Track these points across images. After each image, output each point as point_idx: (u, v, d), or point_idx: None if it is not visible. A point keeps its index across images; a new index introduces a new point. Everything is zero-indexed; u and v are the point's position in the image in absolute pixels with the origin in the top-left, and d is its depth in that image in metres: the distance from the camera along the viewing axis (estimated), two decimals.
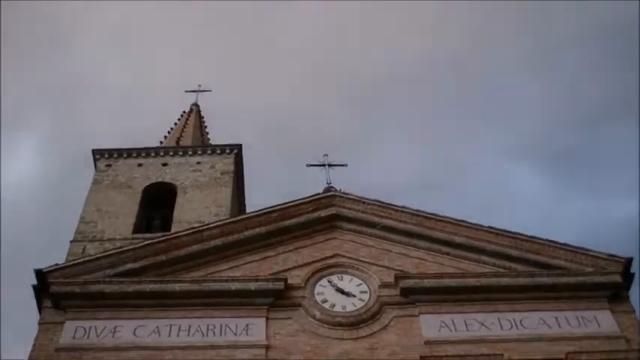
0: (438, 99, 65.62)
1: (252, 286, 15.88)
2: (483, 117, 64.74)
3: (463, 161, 62.37)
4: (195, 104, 34.82)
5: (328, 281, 16.54)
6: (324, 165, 21.12)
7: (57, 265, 16.18)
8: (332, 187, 19.42)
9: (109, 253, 16.74)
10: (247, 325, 15.34)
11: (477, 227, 17.29)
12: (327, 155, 21.52)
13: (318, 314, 15.62)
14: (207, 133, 33.44)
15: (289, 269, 16.75)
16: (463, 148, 65.00)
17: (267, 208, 17.83)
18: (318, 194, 18.53)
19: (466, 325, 15.41)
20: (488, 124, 65.15)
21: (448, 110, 65.91)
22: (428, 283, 16.02)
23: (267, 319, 15.49)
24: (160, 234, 20.26)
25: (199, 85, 35.73)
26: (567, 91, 61.35)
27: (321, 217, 18.02)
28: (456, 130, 65.99)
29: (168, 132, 32.26)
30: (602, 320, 15.48)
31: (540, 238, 16.90)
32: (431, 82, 65.80)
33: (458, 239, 17.22)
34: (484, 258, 16.97)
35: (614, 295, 15.93)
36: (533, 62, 63.03)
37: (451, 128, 66.64)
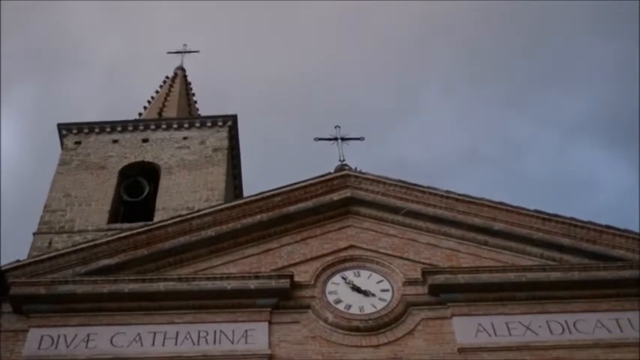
0: (487, 58, 64.70)
1: (252, 284, 15.80)
2: (543, 82, 63.75)
3: (516, 136, 61.66)
4: (181, 68, 34.74)
5: (342, 278, 16.47)
6: (335, 139, 21.05)
7: (18, 261, 16.09)
8: (346, 164, 19.35)
9: (80, 247, 16.64)
10: (246, 331, 15.27)
11: (520, 211, 17.18)
12: (339, 127, 21.45)
13: (330, 317, 15.54)
14: (196, 102, 33.44)
15: (296, 264, 16.70)
16: (517, 120, 64.26)
17: (268, 192, 17.75)
18: (330, 174, 18.43)
19: (508, 329, 15.28)
20: (548, 91, 64.20)
21: (500, 72, 65.00)
22: (462, 278, 15.90)
23: (270, 323, 15.43)
24: (140, 224, 20.06)
25: (185, 45, 35.67)
26: None
27: (333, 201, 17.93)
28: (508, 97, 65.18)
29: (149, 102, 32.18)
30: None
31: (597, 224, 16.76)
32: (478, 38, 64.79)
33: (497, 226, 17.09)
34: (529, 248, 16.86)
35: None
36: (606, 15, 61.90)
37: (502, 94, 65.92)
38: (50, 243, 22.22)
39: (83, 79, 66.29)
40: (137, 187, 25.45)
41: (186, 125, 27.33)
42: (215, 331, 15.22)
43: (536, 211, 17.07)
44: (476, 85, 66.99)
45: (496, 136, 65.44)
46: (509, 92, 66.13)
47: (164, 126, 27.29)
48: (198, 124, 27.40)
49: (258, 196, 17.69)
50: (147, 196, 25.00)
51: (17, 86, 65.19)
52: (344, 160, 19.89)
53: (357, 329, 15.36)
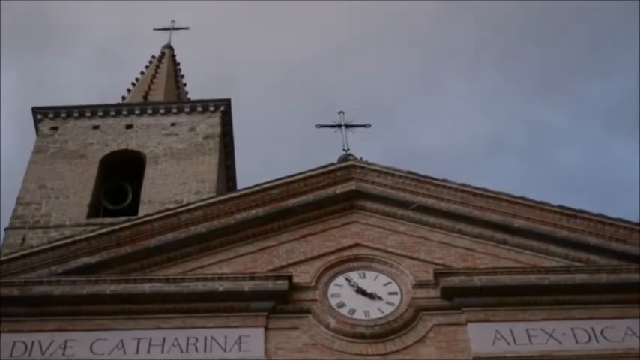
0: (514, 39, 64.04)
1: (247, 286, 15.77)
2: (578, 67, 63.07)
3: (546, 126, 61.05)
4: (168, 46, 34.68)
5: (346, 279, 16.45)
6: (339, 126, 21.17)
7: None
8: (350, 154, 19.43)
9: (57, 244, 16.63)
10: (240, 337, 15.24)
11: (543, 207, 17.16)
12: (343, 113, 21.55)
13: (333, 323, 15.51)
14: (185, 85, 33.45)
15: (295, 264, 16.70)
16: (547, 108, 63.57)
17: (265, 184, 17.76)
18: (332, 164, 18.46)
19: (529, 337, 15.24)
20: (584, 77, 63.59)
21: (529, 55, 64.14)
22: (478, 281, 15.86)
23: (267, 329, 15.39)
24: (123, 219, 20.17)
25: (173, 22, 35.62)
26: None
27: (336, 194, 17.95)
28: (538, 83, 64.43)
29: (133, 84, 32.12)
30: None
31: (627, 221, 16.72)
32: (505, 16, 63.96)
33: (517, 223, 17.09)
34: (552, 248, 16.85)
35: None
36: None
37: (532, 80, 65.23)
38: (24, 239, 22.26)
39: (67, 61, 66.17)
40: (119, 191, 25.45)
41: (174, 110, 27.35)
42: (206, 337, 15.17)
43: (559, 206, 17.05)
44: (502, 69, 66.71)
45: (524, 125, 65.18)
46: (539, 78, 65.87)
47: (150, 111, 27.32)
48: (187, 109, 27.42)
49: (253, 189, 17.69)
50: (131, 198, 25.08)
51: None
52: (348, 150, 20.01)
53: (363, 336, 15.31)
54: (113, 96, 31.12)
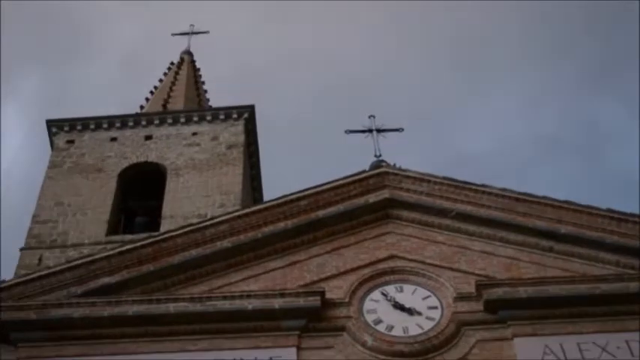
0: (565, 30, 63.58)
1: (277, 303, 15.71)
2: (625, 64, 62.65)
3: (604, 124, 60.57)
4: (187, 52, 34.77)
5: (382, 294, 16.33)
6: (370, 131, 21.14)
7: (4, 281, 16.19)
8: (383, 160, 19.39)
9: (76, 263, 16.64)
10: (272, 358, 15.16)
11: (591, 210, 16.96)
12: (373, 117, 21.51)
13: (369, 341, 15.38)
14: (206, 92, 33.57)
15: (327, 279, 16.64)
16: (604, 105, 63.15)
17: (293, 194, 17.71)
18: (364, 172, 18.38)
19: (580, 351, 15.02)
20: (632, 75, 63.17)
21: (582, 47, 63.28)
22: (524, 292, 15.69)
23: (299, 348, 15.34)
24: (145, 235, 20.20)
25: (192, 26, 35.73)
26: None
27: (369, 203, 17.86)
28: (593, 78, 63.87)
29: (152, 92, 32.23)
30: None
31: None
32: (553, 5, 63.40)
33: (564, 229, 16.89)
34: (602, 254, 16.61)
35: None
36: None
37: (586, 74, 64.39)
38: (40, 259, 22.37)
39: (92, 70, 66.61)
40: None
41: (195, 119, 27.46)
42: (235, 359, 15.11)
43: (608, 210, 16.88)
44: (549, 65, 66.35)
45: (579, 124, 64.69)
46: (589, 75, 65.50)
47: (170, 120, 27.44)
48: (209, 118, 27.51)
49: (281, 200, 17.67)
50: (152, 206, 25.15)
51: (16, 77, 65.60)
52: (380, 156, 20.01)
53: (402, 354, 15.20)
54: (132, 103, 31.22)
